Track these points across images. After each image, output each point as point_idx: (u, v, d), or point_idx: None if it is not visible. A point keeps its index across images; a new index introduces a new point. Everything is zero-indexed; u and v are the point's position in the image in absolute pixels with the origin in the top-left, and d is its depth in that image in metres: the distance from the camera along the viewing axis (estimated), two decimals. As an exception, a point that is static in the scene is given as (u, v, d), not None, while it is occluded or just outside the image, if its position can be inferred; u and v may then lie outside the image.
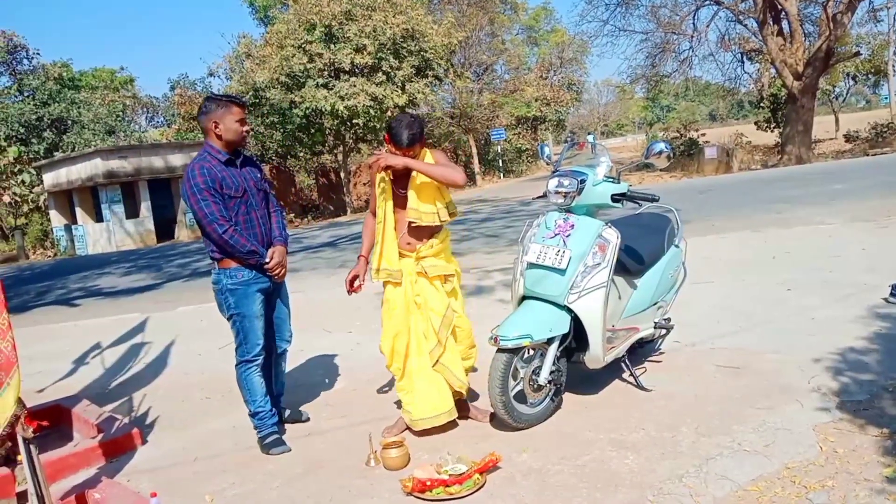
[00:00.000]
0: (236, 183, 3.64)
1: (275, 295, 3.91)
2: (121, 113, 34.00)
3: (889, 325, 4.54)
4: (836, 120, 34.31)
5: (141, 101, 38.60)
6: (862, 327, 4.55)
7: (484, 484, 3.07)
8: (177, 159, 23.73)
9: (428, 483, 3.06)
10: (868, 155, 21.14)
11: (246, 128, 3.69)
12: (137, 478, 3.60)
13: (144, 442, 4.06)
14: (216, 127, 3.62)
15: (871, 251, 6.60)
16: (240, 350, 3.76)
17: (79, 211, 24.13)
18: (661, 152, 3.75)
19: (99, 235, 23.07)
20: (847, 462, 2.92)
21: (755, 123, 29.91)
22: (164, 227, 23.45)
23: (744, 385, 3.90)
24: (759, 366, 4.16)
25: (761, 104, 29.11)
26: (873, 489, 2.69)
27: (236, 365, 3.79)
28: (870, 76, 35.99)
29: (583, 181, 3.69)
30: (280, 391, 4.11)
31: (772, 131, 27.88)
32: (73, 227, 24.58)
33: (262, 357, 3.79)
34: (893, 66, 30.25)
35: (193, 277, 10.20)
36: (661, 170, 20.82)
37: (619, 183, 3.80)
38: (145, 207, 23.07)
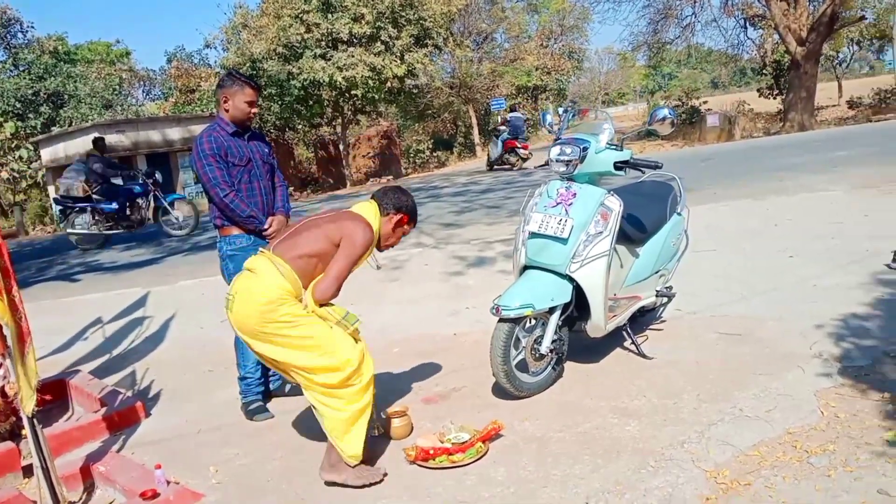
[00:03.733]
0: (241, 152, 3.81)
1: None
2: (117, 87, 33.66)
3: (891, 291, 4.53)
4: (840, 86, 34.00)
5: (137, 74, 38.22)
6: (864, 294, 4.53)
7: (486, 452, 3.09)
8: (175, 133, 23.56)
9: (431, 452, 3.07)
10: (871, 121, 20.96)
11: (254, 110, 3.84)
12: (142, 450, 3.62)
13: (148, 415, 4.09)
14: (226, 101, 3.79)
15: (873, 218, 6.55)
16: None
17: (78, 186, 24.01)
18: (664, 118, 3.71)
19: (98, 210, 22.98)
20: (848, 426, 2.93)
21: (757, 91, 29.61)
22: (164, 202, 23.37)
23: (745, 352, 3.90)
24: (760, 333, 4.16)
25: (764, 71, 28.81)
26: (874, 452, 2.70)
27: None
28: (874, 41, 35.55)
29: (585, 149, 3.65)
30: None
31: (774, 98, 27.62)
32: (72, 202, 24.47)
33: None
34: (898, 30, 29.88)
35: (194, 251, 10.18)
36: (663, 137, 20.69)
37: (621, 150, 3.76)
38: (144, 182, 22.97)
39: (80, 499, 3.28)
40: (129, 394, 4.32)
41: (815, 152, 12.32)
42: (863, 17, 25.87)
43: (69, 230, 11.79)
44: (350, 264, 3.02)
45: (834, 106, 29.22)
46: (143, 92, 39.71)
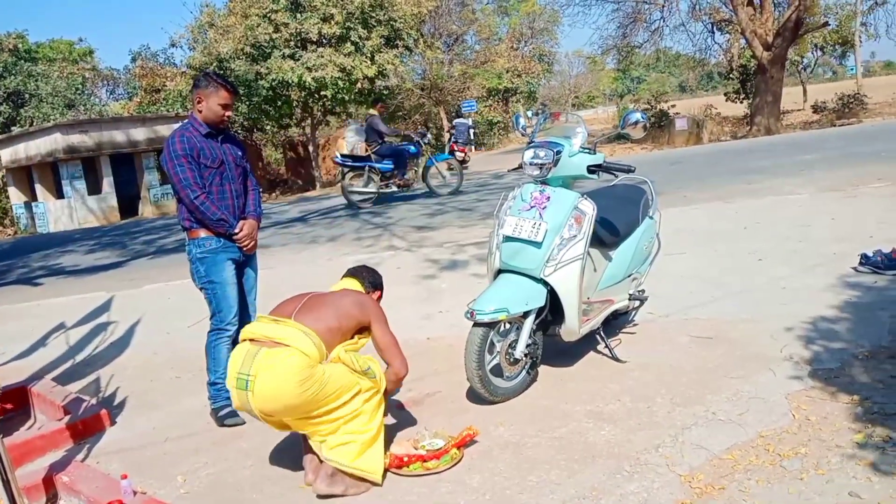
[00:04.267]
0: (214, 154, 3.74)
1: (244, 267, 3.96)
2: (80, 86, 32.98)
3: (858, 293, 4.60)
4: (804, 91, 34.68)
5: (101, 73, 37.53)
6: (832, 296, 4.60)
7: (461, 458, 3.06)
8: (139, 133, 23.17)
9: (405, 459, 3.03)
10: (835, 126, 21.40)
11: (228, 113, 3.77)
12: (107, 459, 3.52)
13: (113, 423, 3.98)
14: (199, 102, 3.72)
15: (839, 221, 6.67)
16: (214, 319, 3.83)
17: (39, 187, 23.47)
18: (636, 122, 3.72)
19: (60, 212, 22.49)
20: (819, 429, 2.96)
21: (724, 95, 30.06)
22: (128, 204, 22.93)
23: (717, 355, 3.93)
24: (731, 335, 4.20)
25: (731, 75, 29.25)
26: (845, 455, 2.73)
27: (209, 332, 3.85)
28: (837, 47, 36.35)
29: (559, 152, 3.64)
30: None
31: (741, 102, 28.06)
32: (33, 204, 23.91)
33: (235, 327, 3.81)
34: (860, 36, 30.58)
35: (159, 255, 10.01)
36: (634, 140, 20.91)
37: (594, 154, 3.76)
38: (108, 183, 22.52)
39: (43, 511, 3.18)
40: (94, 401, 4.20)
41: (782, 156, 12.54)
42: (826, 24, 26.44)
43: (348, 189, 12.29)
44: (391, 333, 3.16)
45: (799, 110, 29.79)
46: (107, 91, 39.04)
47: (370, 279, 3.41)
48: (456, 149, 18.63)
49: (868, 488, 2.48)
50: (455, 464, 3.02)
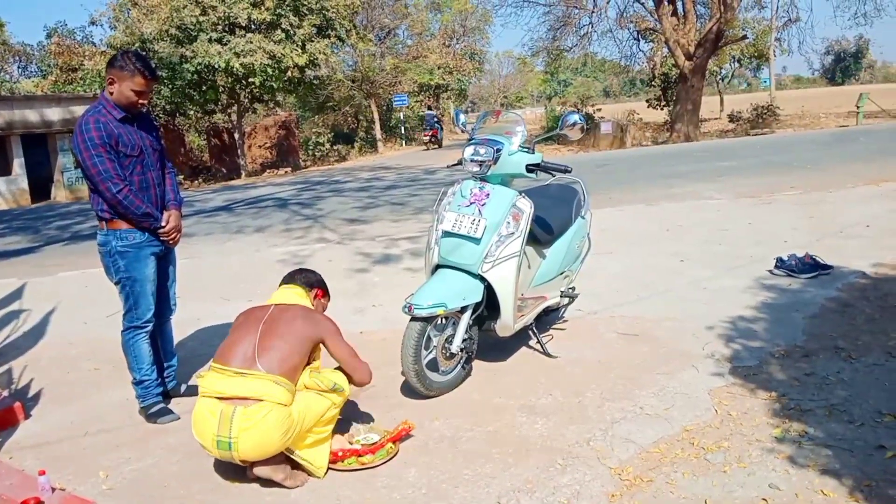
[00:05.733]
0: (133, 141, 3.46)
1: (164, 260, 3.75)
2: (-12, 60, 31.11)
3: (774, 295, 4.85)
4: (721, 100, 36.15)
5: (12, 48, 35.42)
6: (750, 297, 4.83)
7: (397, 452, 3.06)
8: (54, 113, 21.99)
9: (340, 454, 3.00)
10: (749, 135, 22.42)
11: (143, 101, 3.46)
12: (21, 454, 3.34)
13: (28, 416, 3.77)
14: (111, 84, 3.41)
15: (756, 226, 7.00)
16: (129, 316, 3.61)
17: (-59, 166, 22.01)
18: (574, 124, 3.79)
19: (-35, 193, 21.15)
20: (740, 424, 3.10)
21: (646, 101, 31.00)
22: (40, 187, 21.74)
23: (644, 351, 4.06)
24: (656, 333, 4.35)
25: (653, 83, 30.21)
26: (764, 448, 2.87)
27: (123, 331, 3.64)
28: (753, 60, 38.04)
29: (499, 150, 3.68)
30: (172, 362, 3.95)
31: (661, 109, 29.03)
32: (-67, 183, 22.40)
33: (152, 324, 3.66)
34: (774, 51, 32.12)
35: (75, 241, 9.54)
36: (562, 142, 21.33)
37: (533, 153, 3.82)
38: (18, 164, 21.27)
39: (-51, 510, 2.98)
40: (6, 393, 3.97)
41: (701, 162, 13.05)
42: (745, 37, 27.65)
43: None
44: (346, 344, 3.16)
45: (716, 119, 31.07)
46: (19, 68, 36.89)
47: (307, 280, 3.37)
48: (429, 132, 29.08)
49: (786, 480, 2.62)
50: (390, 458, 3.02)
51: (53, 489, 2.85)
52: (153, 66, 3.54)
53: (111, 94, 3.41)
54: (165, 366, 3.90)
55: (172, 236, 3.64)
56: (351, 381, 3.14)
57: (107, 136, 3.34)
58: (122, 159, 3.41)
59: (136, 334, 3.62)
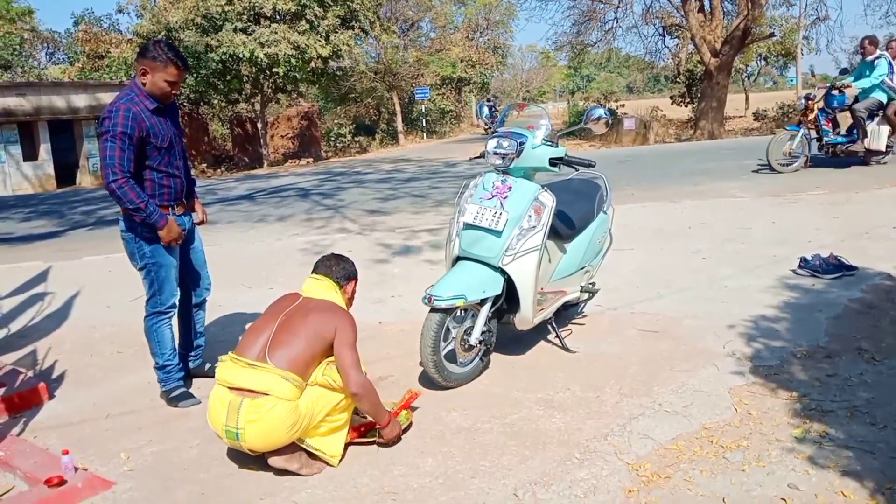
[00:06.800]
0: (163, 132, 3.49)
1: (188, 243, 3.80)
2: (18, 46, 31.50)
3: (797, 295, 4.79)
4: (746, 98, 35.73)
5: (41, 35, 35.84)
6: (772, 296, 4.78)
7: (410, 424, 3.16)
8: (80, 100, 22.27)
9: (361, 429, 3.11)
10: (774, 133, 22.09)
11: (175, 91, 3.49)
12: (45, 434, 3.40)
13: (51, 397, 3.84)
14: (144, 74, 3.42)
15: (780, 225, 6.92)
16: (152, 301, 3.64)
17: (-31, 150, 22.38)
18: (599, 118, 3.78)
19: (-8, 177, 21.49)
20: (760, 423, 3.08)
21: (670, 98, 30.73)
22: (65, 172, 22.05)
23: (663, 348, 4.04)
24: (676, 330, 4.32)
25: (677, 79, 29.92)
26: (784, 448, 2.84)
27: (146, 317, 3.67)
28: (779, 58, 37.55)
29: (522, 143, 3.67)
30: (201, 342, 4.02)
31: (685, 106, 28.75)
32: (-38, 167, 22.80)
33: (175, 309, 3.70)
34: (802, 49, 31.67)
35: (99, 226, 9.66)
36: (584, 138, 21.22)
37: (556, 147, 3.80)
38: (45, 150, 21.59)
39: (-25, 486, 3.05)
40: (31, 374, 4.05)
41: (726, 160, 12.91)
42: (772, 35, 27.29)
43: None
44: (355, 352, 3.01)
45: (741, 117, 30.69)
46: (47, 55, 37.34)
47: (342, 273, 3.28)
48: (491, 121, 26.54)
49: (806, 480, 2.60)
50: (408, 426, 3.11)
51: (76, 469, 2.89)
52: (184, 55, 3.57)
53: (144, 84, 3.42)
54: (195, 345, 3.98)
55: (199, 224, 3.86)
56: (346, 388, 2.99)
57: (132, 128, 3.32)
58: (151, 150, 3.44)
59: (160, 320, 3.66)
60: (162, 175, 3.51)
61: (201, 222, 3.91)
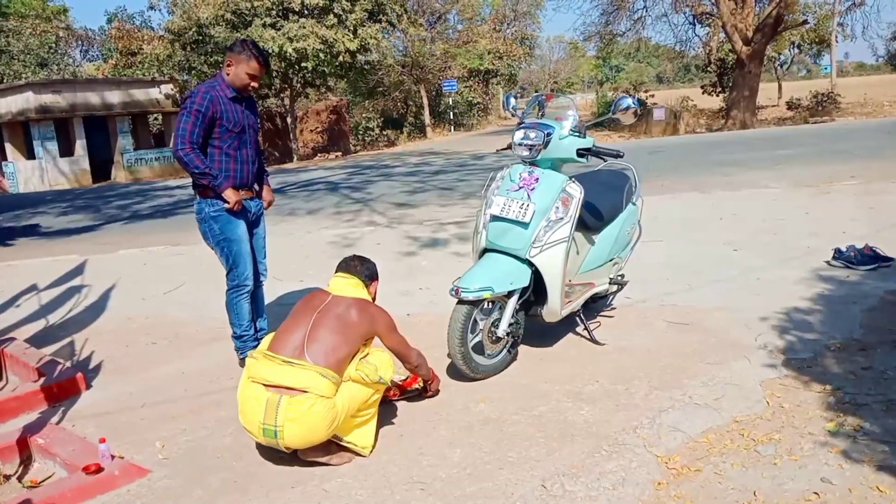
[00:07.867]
0: (237, 118, 3.81)
1: (253, 225, 4.08)
2: (53, 44, 32.12)
3: (831, 287, 4.71)
4: (779, 87, 35.10)
5: (75, 32, 36.50)
6: (805, 289, 4.70)
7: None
8: (114, 96, 22.68)
9: (399, 391, 3.46)
10: (808, 123, 21.71)
11: (254, 84, 3.82)
12: (83, 423, 3.49)
13: (89, 387, 3.93)
14: (229, 66, 3.78)
15: (813, 216, 6.80)
16: (231, 275, 3.93)
17: (8, 147, 22.89)
18: (628, 108, 3.74)
19: (31, 173, 21.99)
20: (792, 417, 3.04)
21: (701, 87, 30.29)
22: (100, 168, 22.51)
23: (693, 341, 4.00)
24: (707, 323, 4.27)
25: (708, 68, 29.47)
26: (817, 442, 2.80)
27: (227, 290, 3.94)
28: (813, 46, 36.78)
29: (549, 134, 3.65)
30: (263, 325, 4.22)
31: (717, 96, 28.32)
32: (2, 163, 23.35)
33: (251, 282, 3.97)
34: (836, 36, 30.97)
35: (134, 220, 9.85)
36: (612, 128, 21.04)
37: (584, 138, 3.78)
38: (80, 146, 22.06)
39: (16, 472, 3.14)
40: (69, 364, 4.15)
41: (758, 150, 12.71)
42: (805, 22, 26.74)
43: None
44: (400, 333, 3.21)
45: (773, 106, 30.18)
46: (81, 52, 38.00)
47: (366, 272, 3.29)
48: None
49: (839, 475, 2.56)
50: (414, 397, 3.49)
51: (113, 456, 2.97)
52: (267, 54, 3.91)
53: (227, 74, 3.77)
54: (258, 327, 4.14)
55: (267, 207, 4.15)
56: (406, 365, 3.29)
57: (206, 108, 3.65)
58: (223, 132, 3.75)
59: (239, 293, 3.93)
60: (230, 158, 3.80)
61: (269, 204, 4.17)
